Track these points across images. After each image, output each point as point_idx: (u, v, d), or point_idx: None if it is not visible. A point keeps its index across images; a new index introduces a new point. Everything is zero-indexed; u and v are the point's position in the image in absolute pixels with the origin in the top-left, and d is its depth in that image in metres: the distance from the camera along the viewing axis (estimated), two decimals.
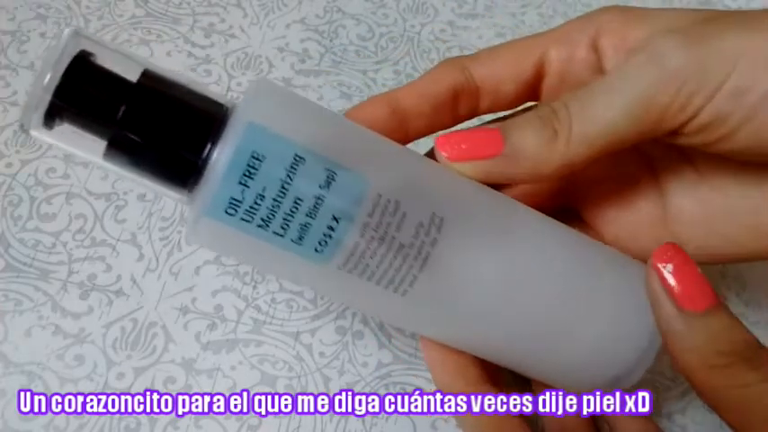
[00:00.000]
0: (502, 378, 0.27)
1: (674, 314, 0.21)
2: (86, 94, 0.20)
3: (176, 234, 0.33)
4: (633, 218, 0.27)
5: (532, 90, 0.26)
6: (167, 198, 0.21)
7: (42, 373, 0.29)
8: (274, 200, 0.20)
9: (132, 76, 0.20)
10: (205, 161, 0.20)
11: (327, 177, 0.20)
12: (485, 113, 0.27)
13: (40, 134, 0.20)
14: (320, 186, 0.20)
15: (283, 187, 0.20)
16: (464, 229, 0.22)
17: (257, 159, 0.20)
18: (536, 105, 0.25)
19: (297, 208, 0.20)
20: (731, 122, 0.21)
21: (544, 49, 0.25)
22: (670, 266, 0.21)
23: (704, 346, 0.20)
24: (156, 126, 0.20)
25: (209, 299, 0.31)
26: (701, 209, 0.25)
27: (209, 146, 0.20)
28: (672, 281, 0.21)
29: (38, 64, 0.37)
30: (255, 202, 0.20)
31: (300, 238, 0.21)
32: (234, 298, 0.31)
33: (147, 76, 0.21)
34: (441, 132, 0.25)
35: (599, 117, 0.22)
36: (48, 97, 0.19)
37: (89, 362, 0.29)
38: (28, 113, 0.20)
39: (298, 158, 0.20)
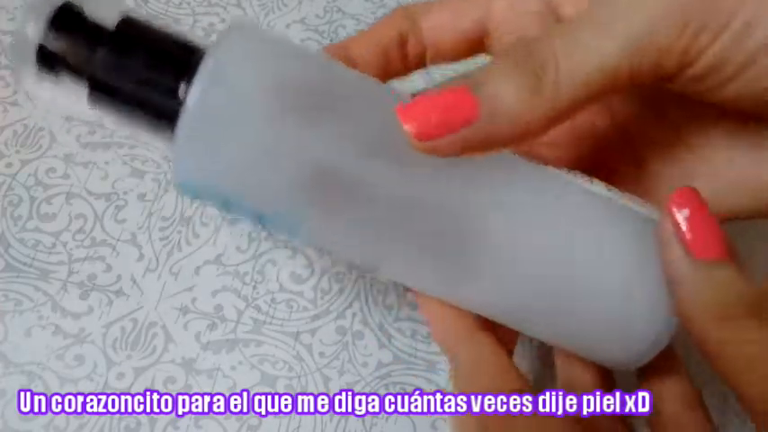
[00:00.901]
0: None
1: (683, 258, 0.19)
2: (70, 40, 0.20)
3: (176, 234, 0.33)
4: (614, 184, 0.26)
5: (474, 43, 0.25)
6: (156, 145, 0.21)
7: (42, 373, 0.29)
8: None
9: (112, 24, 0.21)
10: (181, 102, 0.20)
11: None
12: (432, 63, 0.26)
13: (33, 81, 0.21)
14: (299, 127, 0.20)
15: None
16: (495, 195, 0.21)
17: (227, 97, 0.20)
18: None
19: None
20: (730, 68, 0.20)
21: (490, 1, 0.24)
22: (685, 211, 0.20)
23: (710, 296, 0.19)
24: (133, 68, 0.21)
25: (209, 299, 0.31)
26: (678, 167, 0.25)
27: (183, 86, 0.20)
28: (684, 225, 0.20)
29: None
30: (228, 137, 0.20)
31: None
32: (234, 298, 0.31)
33: (126, 22, 0.21)
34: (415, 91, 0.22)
35: (591, 54, 0.19)
36: (36, 41, 0.20)
37: (89, 362, 0.29)
38: (18, 57, 0.20)
39: (269, 95, 0.20)
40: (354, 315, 0.32)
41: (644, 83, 0.20)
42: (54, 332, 0.30)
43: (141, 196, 0.33)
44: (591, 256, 0.22)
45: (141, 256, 0.32)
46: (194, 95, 0.20)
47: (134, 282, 0.31)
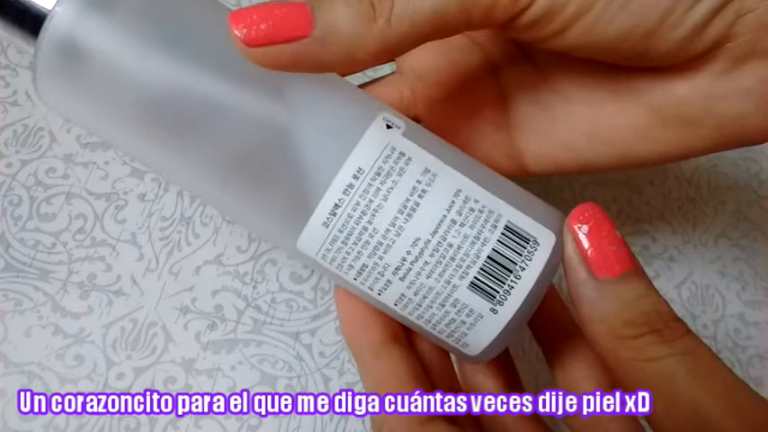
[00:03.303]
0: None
1: (586, 280, 0.19)
2: None
3: (176, 234, 0.33)
4: (479, 126, 0.26)
5: None
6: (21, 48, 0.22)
7: (42, 373, 0.29)
8: None
9: None
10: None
11: None
12: None
13: None
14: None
15: None
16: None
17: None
18: None
19: None
20: (565, 16, 0.20)
21: None
22: (585, 228, 0.19)
23: (613, 314, 0.19)
24: None
25: (209, 299, 0.31)
26: (541, 112, 0.25)
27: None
28: (586, 243, 0.19)
29: None
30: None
31: None
32: (234, 298, 0.31)
33: None
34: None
35: None
36: None
37: (89, 362, 0.29)
38: None
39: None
40: None
41: (480, 28, 0.21)
42: (54, 332, 0.30)
43: (141, 196, 0.33)
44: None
45: (141, 256, 0.32)
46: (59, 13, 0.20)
47: (134, 282, 0.31)
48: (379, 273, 0.21)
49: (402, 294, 0.22)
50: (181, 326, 0.31)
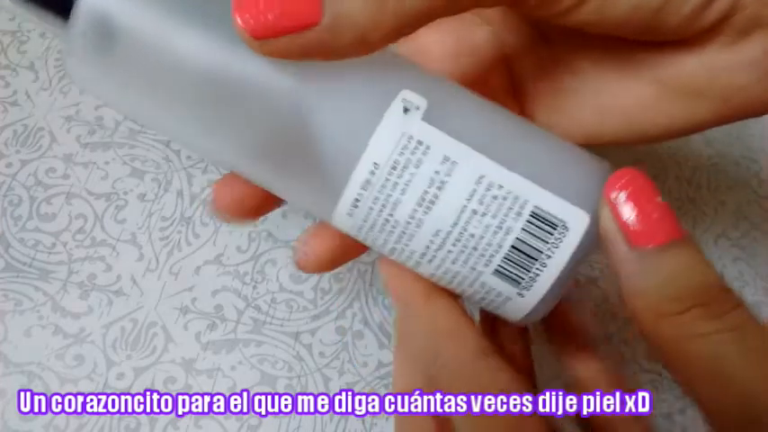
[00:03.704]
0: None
1: (627, 253, 0.18)
2: None
3: (176, 234, 0.33)
4: (488, 95, 0.26)
5: None
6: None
7: (42, 373, 0.29)
8: None
9: None
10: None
11: None
12: None
13: None
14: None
15: None
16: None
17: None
18: None
19: None
20: None
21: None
22: (623, 195, 0.18)
23: (655, 289, 0.17)
24: None
25: (209, 299, 0.31)
26: (551, 86, 0.25)
27: None
28: (625, 213, 0.18)
29: (38, 64, 0.37)
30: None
31: None
32: (234, 298, 0.31)
33: None
34: None
35: None
36: None
37: (89, 362, 0.29)
38: None
39: None
40: (354, 315, 0.32)
41: (493, 5, 0.20)
42: (54, 332, 0.30)
43: (141, 196, 0.33)
44: None
45: (141, 256, 0.32)
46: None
47: (134, 282, 0.31)
48: (407, 256, 0.21)
49: (432, 273, 0.22)
50: (181, 326, 0.30)
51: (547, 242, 0.20)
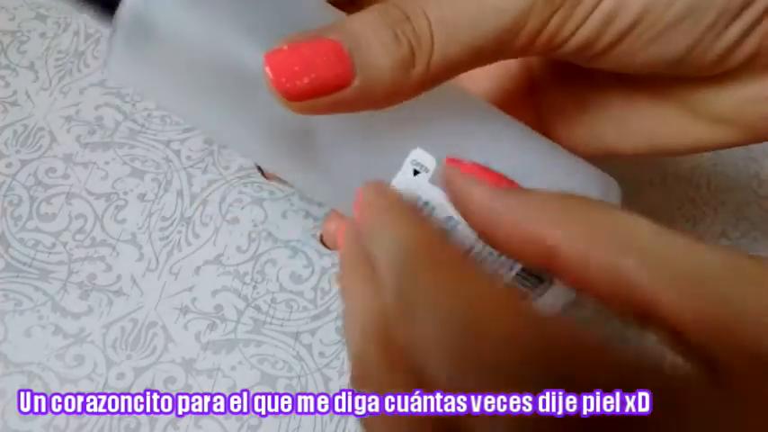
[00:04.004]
0: None
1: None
2: None
3: (176, 234, 0.33)
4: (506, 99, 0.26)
5: None
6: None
7: (42, 373, 0.29)
8: None
9: None
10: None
11: None
12: None
13: None
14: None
15: None
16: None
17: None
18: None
19: None
20: (596, 49, 0.20)
21: None
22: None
23: None
24: None
25: (209, 299, 0.31)
26: (573, 101, 0.25)
27: None
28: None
29: (38, 64, 0.37)
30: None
31: None
32: (234, 298, 0.31)
33: None
34: None
35: (464, 36, 0.19)
36: None
37: (89, 362, 0.29)
38: None
39: None
40: None
41: (513, 57, 0.21)
42: (54, 332, 0.30)
43: (141, 196, 0.33)
44: None
45: (141, 256, 0.32)
46: None
47: (134, 282, 0.31)
48: None
49: None
50: (181, 326, 0.30)
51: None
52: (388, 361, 0.17)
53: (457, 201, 0.18)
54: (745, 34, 0.20)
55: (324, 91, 0.18)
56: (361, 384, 0.18)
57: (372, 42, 0.18)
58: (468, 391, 0.14)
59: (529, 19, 0.19)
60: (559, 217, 0.16)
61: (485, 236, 0.17)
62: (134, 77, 0.22)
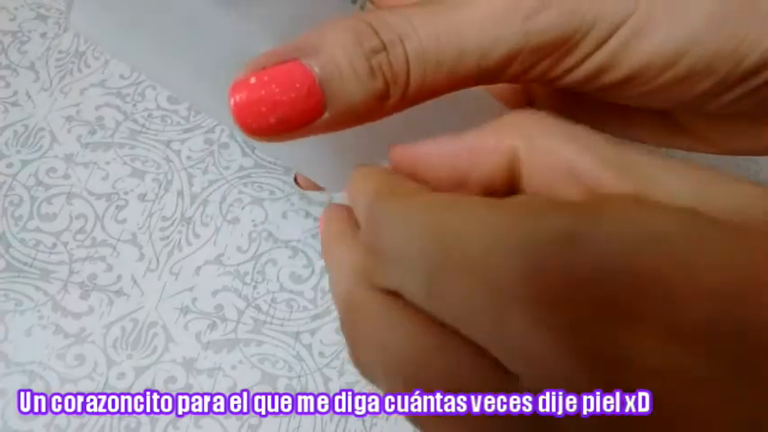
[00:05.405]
0: None
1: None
2: None
3: (176, 234, 0.33)
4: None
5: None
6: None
7: (43, 373, 0.29)
8: None
9: None
10: None
11: None
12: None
13: None
14: None
15: None
16: None
17: None
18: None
19: None
20: (587, 89, 0.20)
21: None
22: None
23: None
24: None
25: (210, 299, 0.31)
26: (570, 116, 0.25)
27: None
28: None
29: (38, 64, 0.37)
30: None
31: None
32: (234, 298, 0.32)
33: None
34: None
35: (443, 71, 0.18)
36: None
37: (89, 361, 0.29)
38: None
39: None
40: None
41: (493, 83, 0.20)
42: (54, 332, 0.30)
43: (141, 196, 0.33)
44: None
45: (142, 256, 0.32)
46: None
47: (134, 282, 0.31)
48: None
49: None
50: (181, 326, 0.31)
51: None
52: (371, 296, 0.16)
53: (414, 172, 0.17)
54: (744, 98, 0.20)
55: (291, 127, 0.17)
56: (350, 328, 0.17)
57: (346, 73, 0.17)
58: (450, 301, 0.14)
59: (512, 65, 0.18)
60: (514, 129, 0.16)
61: (453, 178, 0.17)
62: (96, 29, 0.22)
